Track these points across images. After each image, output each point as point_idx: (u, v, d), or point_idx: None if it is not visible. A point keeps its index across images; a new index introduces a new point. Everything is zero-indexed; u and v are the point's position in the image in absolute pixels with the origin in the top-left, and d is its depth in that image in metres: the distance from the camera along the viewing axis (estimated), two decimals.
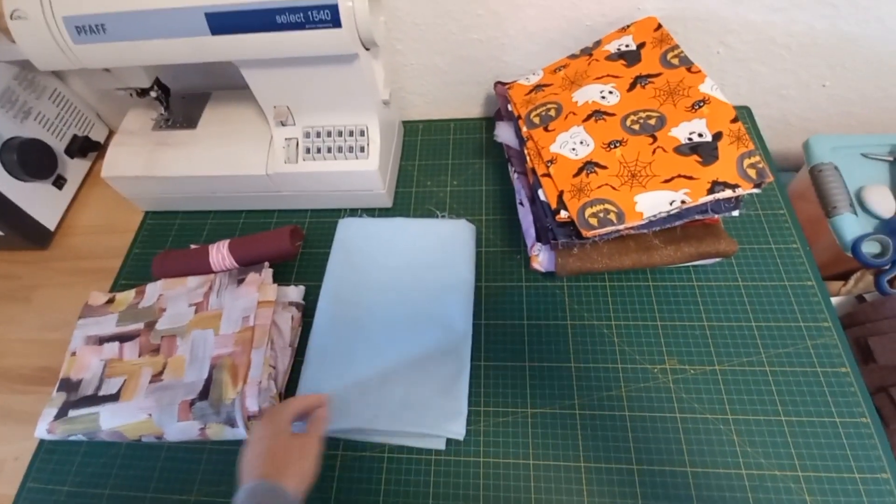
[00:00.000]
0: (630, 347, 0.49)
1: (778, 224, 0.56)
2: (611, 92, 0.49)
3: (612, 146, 0.45)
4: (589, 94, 0.49)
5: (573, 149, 0.46)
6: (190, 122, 0.61)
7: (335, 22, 0.43)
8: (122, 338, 0.52)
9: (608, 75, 0.50)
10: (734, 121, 0.44)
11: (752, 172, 0.42)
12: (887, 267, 0.55)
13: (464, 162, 0.65)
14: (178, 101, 0.62)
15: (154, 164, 0.59)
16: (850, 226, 0.57)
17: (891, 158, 0.63)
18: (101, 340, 0.52)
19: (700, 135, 0.44)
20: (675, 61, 0.49)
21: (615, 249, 0.48)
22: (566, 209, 0.43)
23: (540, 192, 0.46)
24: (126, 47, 0.46)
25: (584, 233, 0.42)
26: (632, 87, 0.49)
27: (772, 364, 0.47)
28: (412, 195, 0.63)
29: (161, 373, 0.49)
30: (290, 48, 0.45)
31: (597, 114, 0.47)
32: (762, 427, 0.44)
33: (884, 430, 0.43)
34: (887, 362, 0.52)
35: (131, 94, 0.57)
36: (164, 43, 0.46)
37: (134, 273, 0.61)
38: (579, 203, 0.43)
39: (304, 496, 0.37)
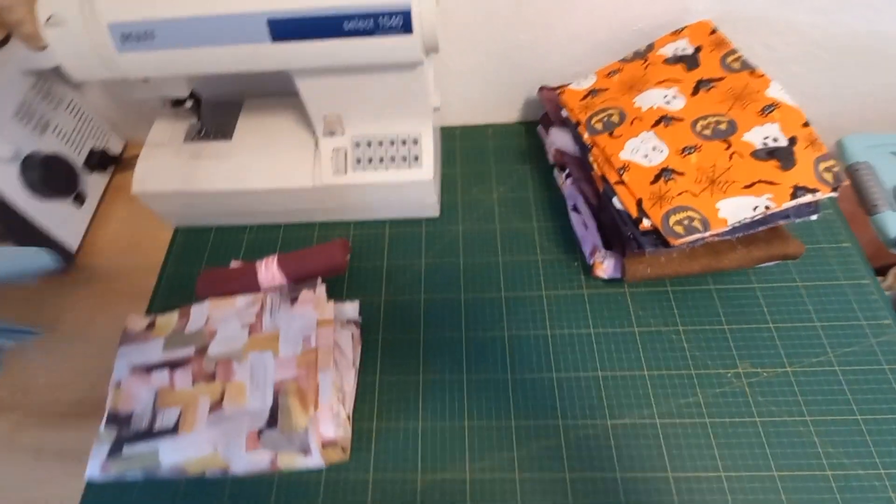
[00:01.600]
0: (700, 353, 0.49)
1: (828, 224, 0.56)
2: (675, 97, 0.48)
3: (687, 152, 0.45)
4: (652, 98, 0.49)
5: (646, 155, 0.46)
6: (224, 132, 0.58)
7: (406, 28, 0.41)
8: (172, 364, 0.49)
9: (669, 79, 0.50)
10: (805, 125, 0.44)
11: (828, 176, 0.42)
12: None
13: (507, 168, 0.64)
14: (210, 110, 0.59)
15: (190, 178, 0.56)
16: (893, 223, 0.58)
17: None
18: (149, 369, 0.49)
19: (775, 139, 0.44)
20: (737, 65, 0.49)
21: (685, 255, 0.47)
22: (648, 217, 0.43)
23: (615, 200, 0.45)
24: (175, 56, 0.43)
25: (672, 241, 0.41)
26: (695, 91, 0.48)
27: (840, 364, 0.48)
28: (458, 203, 0.61)
29: (220, 401, 0.46)
30: (356, 56, 0.43)
31: (665, 119, 0.47)
32: (840, 427, 0.45)
33: None
34: None
35: (164, 105, 0.54)
36: (217, 51, 0.43)
37: (170, 293, 0.57)
38: (662, 211, 0.42)
39: None
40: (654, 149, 0.46)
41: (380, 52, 0.43)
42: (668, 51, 0.52)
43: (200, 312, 0.52)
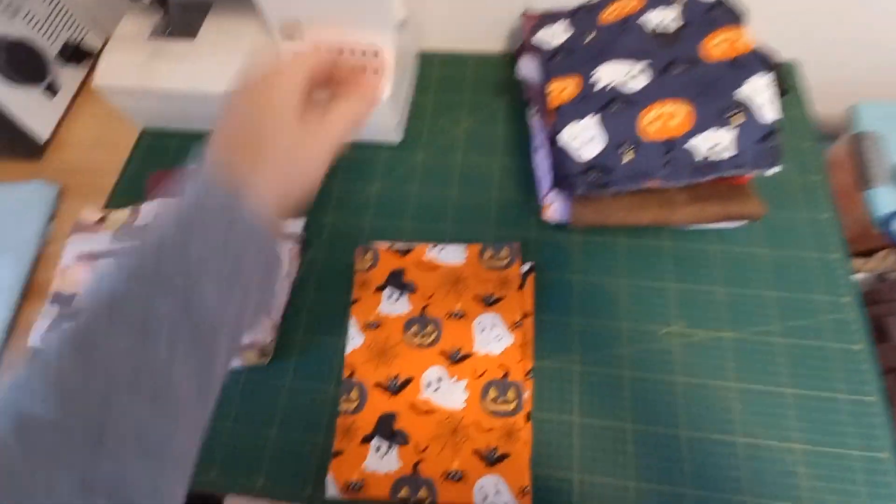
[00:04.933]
0: (639, 307, 0.47)
1: (813, 192, 0.52)
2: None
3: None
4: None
5: None
6: (189, 32, 0.56)
7: None
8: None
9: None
10: None
11: None
12: None
13: (482, 100, 0.61)
14: (178, 8, 0.57)
15: (150, 75, 0.55)
16: (886, 200, 0.53)
17: None
18: (95, 257, 0.50)
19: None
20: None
21: (635, 203, 0.45)
22: None
23: (561, 133, 0.42)
24: None
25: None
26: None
27: (786, 335, 0.45)
28: (423, 131, 0.59)
29: None
30: None
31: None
32: (765, 398, 0.43)
33: (890, 411, 0.42)
34: None
35: None
36: None
37: (129, 192, 0.58)
38: None
39: (288, 212, 0.24)
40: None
41: None
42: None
43: (150, 211, 0.53)
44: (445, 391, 0.43)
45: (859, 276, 0.58)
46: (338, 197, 0.56)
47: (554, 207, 0.48)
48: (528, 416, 0.43)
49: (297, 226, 0.52)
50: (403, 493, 0.40)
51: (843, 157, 0.59)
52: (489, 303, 0.46)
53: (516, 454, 0.40)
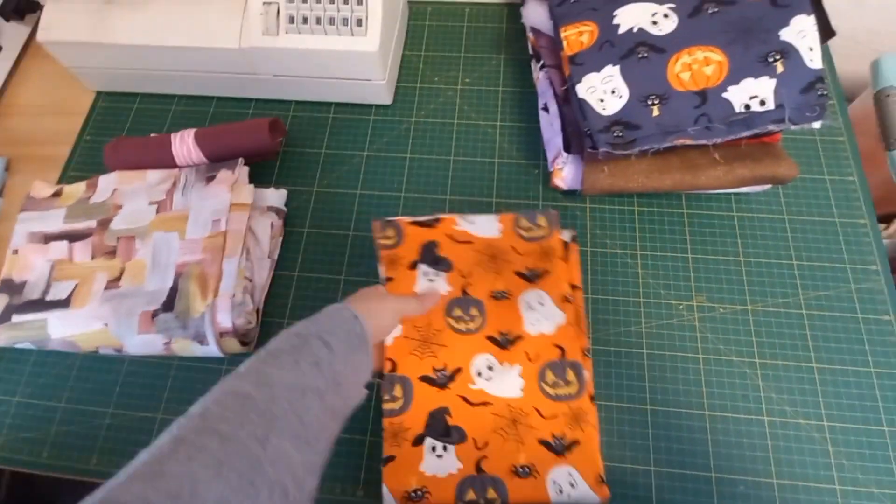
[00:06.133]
0: (655, 280, 0.44)
1: (836, 153, 0.48)
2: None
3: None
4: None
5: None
6: None
7: None
8: (72, 236, 0.44)
9: None
10: None
11: None
12: None
13: (479, 56, 0.55)
14: None
15: (102, 27, 0.48)
16: None
17: None
18: (47, 238, 0.45)
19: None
20: None
21: (655, 166, 0.40)
22: None
23: (578, 86, 0.37)
24: None
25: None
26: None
27: (809, 307, 0.42)
28: (416, 92, 0.53)
29: (118, 278, 0.42)
30: None
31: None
32: (791, 373, 0.40)
33: None
34: None
35: None
36: None
37: (85, 163, 0.52)
38: None
39: (376, 342, 0.34)
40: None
41: None
42: None
43: (108, 184, 0.47)
44: (498, 379, 0.38)
45: (886, 242, 0.55)
46: (324, 164, 0.50)
47: (565, 173, 0.43)
48: (592, 398, 0.38)
49: (278, 197, 0.47)
50: (470, 495, 0.35)
51: (864, 116, 0.55)
52: (532, 278, 0.40)
53: (586, 440, 0.36)
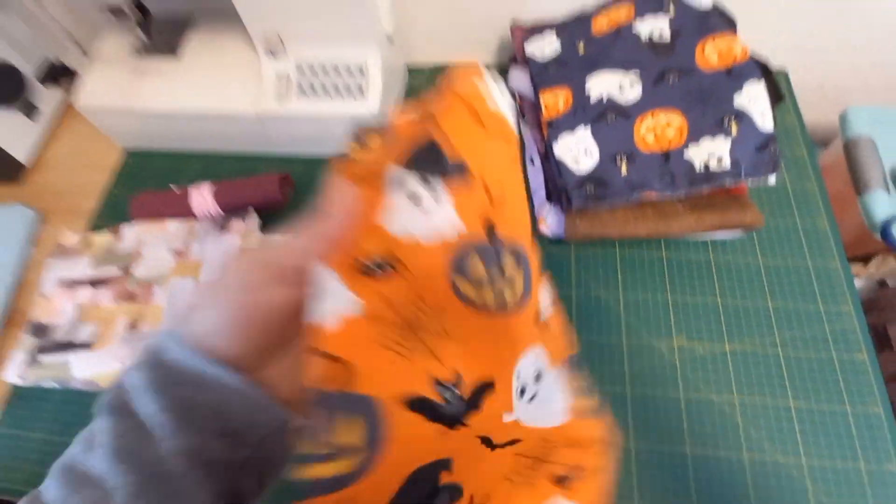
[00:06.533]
0: (637, 321, 0.46)
1: (807, 200, 0.52)
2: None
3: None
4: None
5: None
6: (171, 48, 0.55)
7: None
8: (97, 282, 0.48)
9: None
10: None
11: None
12: None
13: None
14: (159, 24, 0.56)
15: (134, 95, 0.53)
16: (882, 205, 0.53)
17: None
18: (74, 284, 0.49)
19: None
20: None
21: (631, 215, 0.44)
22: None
23: (555, 146, 0.41)
24: None
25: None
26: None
27: (785, 347, 0.45)
28: None
29: (138, 322, 0.46)
30: None
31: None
32: (769, 412, 0.42)
33: (895, 422, 0.41)
34: None
35: (108, 15, 0.51)
36: None
37: (111, 214, 0.57)
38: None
39: (300, 407, 0.19)
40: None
41: None
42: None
43: (132, 234, 0.51)
44: (546, 395, 0.22)
45: (858, 283, 0.57)
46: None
47: (549, 221, 0.47)
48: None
49: None
50: None
51: (834, 163, 0.59)
52: None
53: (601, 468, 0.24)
